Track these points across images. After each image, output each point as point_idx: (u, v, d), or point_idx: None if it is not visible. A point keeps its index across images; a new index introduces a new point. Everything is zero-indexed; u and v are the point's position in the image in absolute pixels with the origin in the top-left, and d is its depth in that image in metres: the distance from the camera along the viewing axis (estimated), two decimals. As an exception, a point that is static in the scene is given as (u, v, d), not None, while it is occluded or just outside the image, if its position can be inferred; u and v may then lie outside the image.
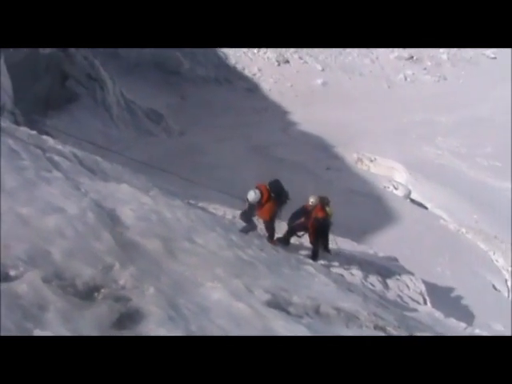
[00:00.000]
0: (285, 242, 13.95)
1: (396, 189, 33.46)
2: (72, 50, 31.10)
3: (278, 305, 5.53)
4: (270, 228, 13.11)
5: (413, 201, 32.95)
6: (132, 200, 7.54)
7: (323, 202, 13.57)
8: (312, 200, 13.46)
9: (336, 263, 14.69)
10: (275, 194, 12.52)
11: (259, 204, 12.40)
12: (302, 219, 13.84)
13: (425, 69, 63.85)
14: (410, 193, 33.52)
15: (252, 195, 12.28)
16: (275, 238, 13.67)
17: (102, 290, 4.28)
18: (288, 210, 13.81)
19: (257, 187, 12.47)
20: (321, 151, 37.90)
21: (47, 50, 28.61)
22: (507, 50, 65.10)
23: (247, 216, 12.96)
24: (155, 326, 3.99)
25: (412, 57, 64.45)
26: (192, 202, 14.21)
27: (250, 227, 12.86)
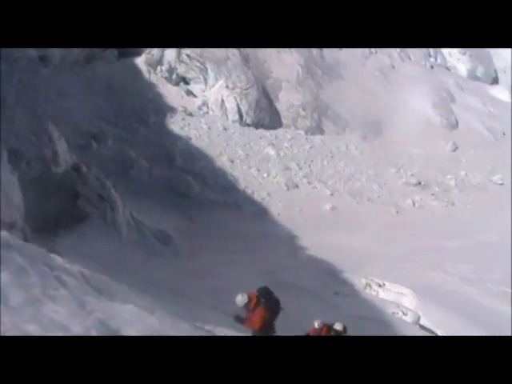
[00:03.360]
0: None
1: (405, 315, 33.04)
2: (85, 170, 31.66)
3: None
4: None
5: (422, 327, 32.47)
6: (137, 320, 7.50)
7: (328, 326, 13.48)
8: (317, 324, 13.36)
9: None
10: (265, 300, 12.35)
11: (248, 310, 12.23)
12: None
13: (433, 194, 64.40)
14: (419, 319, 33.09)
15: (239, 298, 12.17)
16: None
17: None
18: (292, 332, 13.65)
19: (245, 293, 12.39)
20: (329, 276, 37.73)
21: (60, 170, 29.15)
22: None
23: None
24: None
25: (420, 183, 65.18)
26: (199, 324, 14.04)
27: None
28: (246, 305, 12.16)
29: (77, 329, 5.74)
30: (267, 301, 12.41)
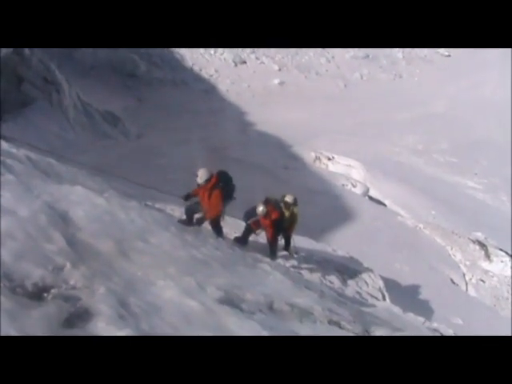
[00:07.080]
0: (243, 241, 13.85)
1: (354, 186, 33.64)
2: (27, 52, 30.62)
3: (230, 302, 5.56)
4: (216, 226, 12.62)
5: (371, 198, 33.15)
6: (85, 201, 7.49)
7: (274, 204, 13.49)
8: (261, 209, 13.27)
9: (294, 261, 14.73)
10: (223, 184, 12.25)
11: (204, 188, 12.08)
12: (259, 218, 13.71)
13: (380, 67, 64.45)
14: (368, 190, 33.74)
15: (202, 172, 12.02)
16: (234, 236, 13.71)
17: (52, 291, 4.27)
18: (244, 208, 13.83)
19: None
20: (278, 151, 37.89)
21: (1, 53, 28.19)
22: (460, 49, 66.23)
23: (189, 212, 12.73)
24: (105, 324, 3.99)
25: (368, 55, 64.98)
26: (149, 203, 14.10)
27: (187, 223, 12.45)
28: (206, 181, 11.97)
29: (24, 213, 5.74)
30: (225, 186, 12.30)
